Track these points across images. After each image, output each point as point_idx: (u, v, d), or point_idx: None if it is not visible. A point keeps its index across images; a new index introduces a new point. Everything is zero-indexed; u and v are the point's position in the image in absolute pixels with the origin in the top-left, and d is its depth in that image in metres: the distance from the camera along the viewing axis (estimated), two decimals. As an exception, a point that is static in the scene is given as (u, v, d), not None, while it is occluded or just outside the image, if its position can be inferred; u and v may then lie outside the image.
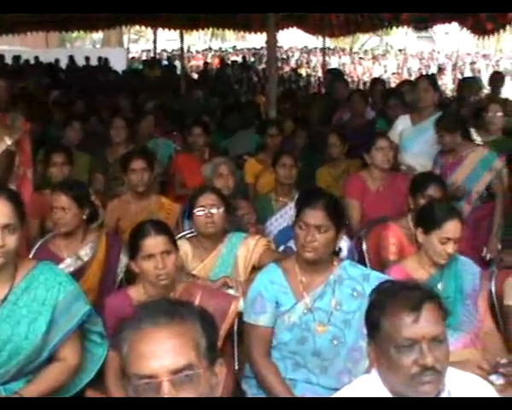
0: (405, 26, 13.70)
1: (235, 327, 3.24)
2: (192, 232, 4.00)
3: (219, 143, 7.31)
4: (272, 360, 3.09)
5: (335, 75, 9.97)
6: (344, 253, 3.65)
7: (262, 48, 25.05)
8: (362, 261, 4.07)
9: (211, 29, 19.23)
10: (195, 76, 19.29)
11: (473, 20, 8.91)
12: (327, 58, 20.31)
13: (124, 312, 2.83)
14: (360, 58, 28.58)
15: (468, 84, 8.42)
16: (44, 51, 22.32)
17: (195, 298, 3.06)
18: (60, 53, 21.75)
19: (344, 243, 3.74)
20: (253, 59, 26.86)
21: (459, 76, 18.89)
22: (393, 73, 22.88)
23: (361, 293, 3.03)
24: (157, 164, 5.58)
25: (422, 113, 5.63)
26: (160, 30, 16.76)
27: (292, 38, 25.95)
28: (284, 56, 26.76)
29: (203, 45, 32.84)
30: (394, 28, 15.29)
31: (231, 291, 3.48)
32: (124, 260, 3.77)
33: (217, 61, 24.98)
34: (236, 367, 3.30)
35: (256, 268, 3.72)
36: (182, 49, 15.00)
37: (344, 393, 2.14)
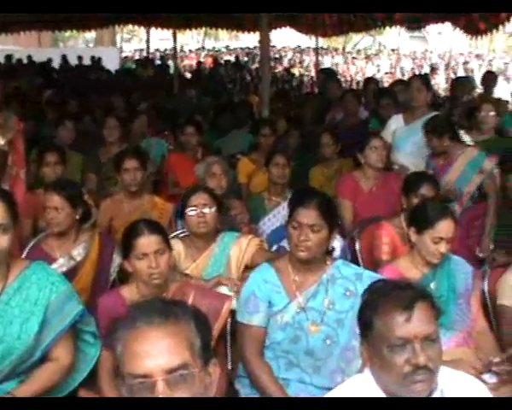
0: (398, 26, 13.71)
1: (229, 327, 3.24)
2: (185, 232, 4.00)
3: (212, 142, 7.29)
4: (265, 359, 3.09)
5: (328, 75, 9.99)
6: (337, 252, 3.66)
7: (255, 47, 25.13)
8: (355, 261, 4.08)
9: (204, 28, 19.28)
10: (188, 75, 19.26)
11: (465, 20, 8.90)
12: (320, 58, 20.31)
13: (116, 311, 2.83)
14: (353, 58, 28.60)
15: (460, 84, 8.42)
16: (37, 51, 22.28)
17: (188, 298, 3.06)
18: (53, 52, 21.74)
19: (337, 243, 3.75)
20: (246, 58, 26.88)
21: (452, 76, 18.96)
22: (386, 73, 22.89)
23: (354, 292, 3.03)
24: (150, 163, 5.58)
25: (415, 112, 5.65)
26: (153, 29, 16.79)
27: (285, 38, 26.02)
28: (277, 56, 26.76)
29: (196, 45, 32.88)
30: (387, 28, 15.29)
31: (225, 290, 3.49)
32: (117, 259, 3.76)
33: (210, 60, 24.96)
34: (229, 367, 3.30)
35: (249, 268, 3.72)
36: (175, 48, 14.95)
37: (337, 392, 2.14)
